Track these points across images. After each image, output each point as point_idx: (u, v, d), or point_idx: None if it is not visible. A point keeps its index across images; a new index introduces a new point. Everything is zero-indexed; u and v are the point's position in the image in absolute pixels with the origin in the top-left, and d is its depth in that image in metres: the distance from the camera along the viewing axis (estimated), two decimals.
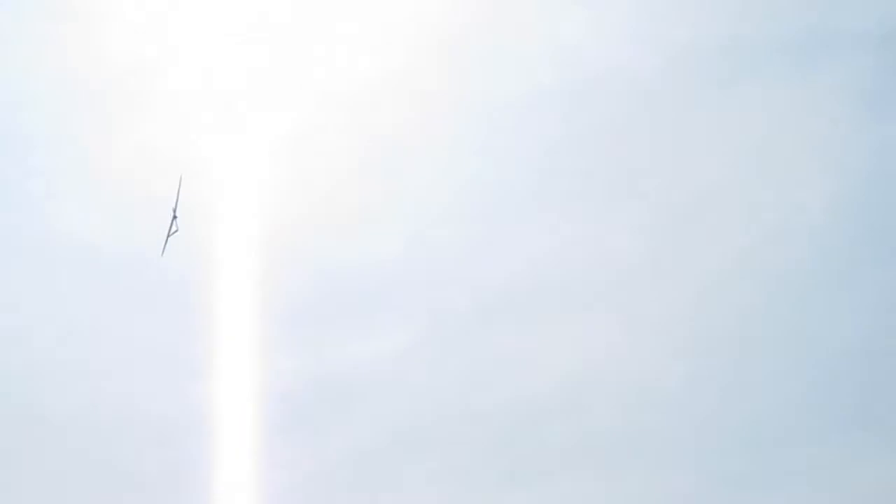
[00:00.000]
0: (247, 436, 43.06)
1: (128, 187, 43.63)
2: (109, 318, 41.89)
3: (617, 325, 44.52)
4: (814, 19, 46.44)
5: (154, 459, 40.88)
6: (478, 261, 44.84)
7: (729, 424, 42.31)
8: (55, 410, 40.01)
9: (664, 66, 47.24)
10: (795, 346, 44.27)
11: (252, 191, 44.35)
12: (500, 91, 46.11)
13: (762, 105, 47.15)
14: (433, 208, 45.17)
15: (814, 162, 45.95)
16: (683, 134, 47.33)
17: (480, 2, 45.77)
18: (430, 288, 44.54)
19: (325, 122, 46.59)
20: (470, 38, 45.86)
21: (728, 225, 47.87)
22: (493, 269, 45.04)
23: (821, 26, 46.69)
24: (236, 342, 43.58)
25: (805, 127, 46.20)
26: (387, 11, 45.91)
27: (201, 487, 41.53)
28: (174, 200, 34.07)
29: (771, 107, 46.98)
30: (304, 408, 43.43)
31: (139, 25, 44.31)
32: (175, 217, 33.78)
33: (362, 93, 45.87)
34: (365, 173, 45.18)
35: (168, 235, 33.71)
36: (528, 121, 46.81)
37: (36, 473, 38.88)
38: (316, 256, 43.96)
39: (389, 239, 45.03)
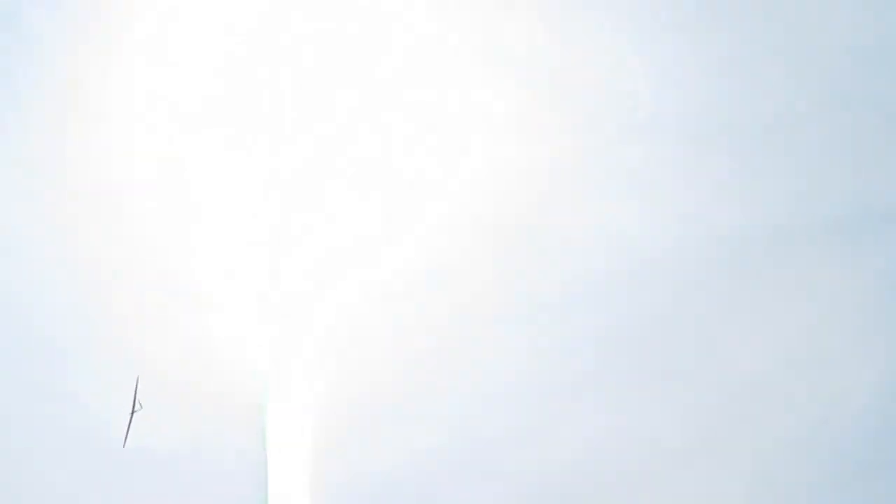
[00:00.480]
0: None
1: None
2: None
3: (701, 382, 46.35)
4: (863, 200, 44.59)
5: None
6: (526, 451, 46.26)
7: None
8: None
9: (712, 250, 47.05)
10: None
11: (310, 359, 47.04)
12: (548, 279, 47.13)
13: (809, 289, 45.41)
14: (478, 400, 46.66)
15: (861, 348, 44.09)
16: (731, 319, 46.46)
17: (529, 188, 47.17)
18: (478, 480, 46.33)
19: (365, 316, 48.73)
20: (519, 226, 47.23)
21: (776, 411, 46.48)
22: (543, 459, 46.25)
23: (870, 207, 44.90)
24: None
25: (853, 313, 44.00)
26: (429, 203, 47.60)
27: None
28: (133, 398, 37.64)
29: (818, 290, 45.08)
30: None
31: None
32: (134, 410, 37.51)
33: (404, 283, 47.64)
34: (409, 365, 46.95)
35: (129, 425, 37.21)
36: (577, 308, 47.77)
37: None
38: (357, 458, 46.34)
39: (435, 428, 46.83)
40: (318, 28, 38.22)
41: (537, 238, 46.60)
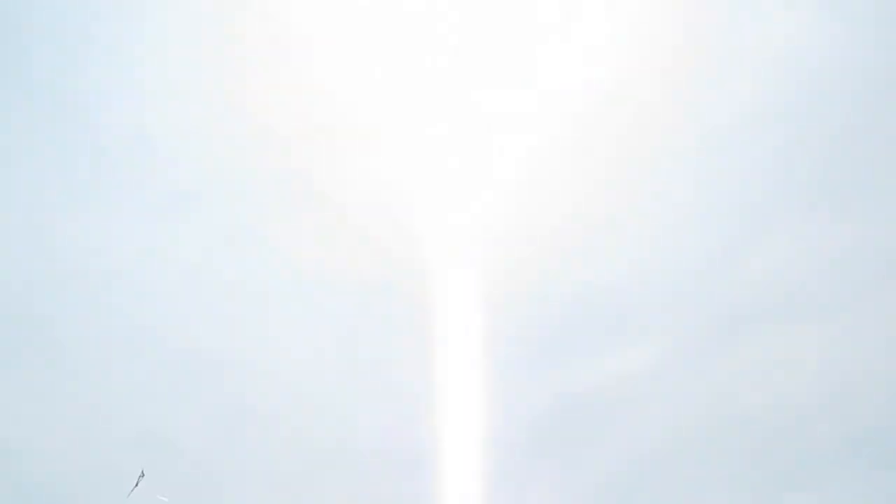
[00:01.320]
0: (494, 464, 44.58)
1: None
2: (337, 348, 43.83)
3: (873, 326, 43.80)
4: None
5: (401, 491, 43.21)
6: (719, 271, 44.68)
7: None
8: (315, 442, 42.28)
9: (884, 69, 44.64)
10: None
11: (482, 210, 45.18)
12: (727, 101, 44.95)
13: None
14: (669, 220, 45.22)
15: None
16: None
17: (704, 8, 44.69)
18: (674, 301, 44.85)
19: (553, 137, 47.02)
20: (696, 45, 44.98)
21: None
22: (736, 278, 44.72)
23: None
24: (475, 370, 44.86)
25: None
26: (606, 23, 45.52)
27: None
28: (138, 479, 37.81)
29: None
30: (552, 433, 45.29)
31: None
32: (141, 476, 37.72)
33: (586, 104, 46.11)
34: (596, 188, 45.48)
35: (136, 485, 37.29)
36: (757, 128, 45.72)
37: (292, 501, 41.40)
38: (550, 278, 45.02)
39: (626, 255, 45.55)
40: None
41: (718, 56, 40.74)
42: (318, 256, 43.78)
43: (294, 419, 42.31)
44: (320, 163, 45.26)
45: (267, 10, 45.08)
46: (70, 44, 43.98)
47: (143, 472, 37.03)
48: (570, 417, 44.05)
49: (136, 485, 36.94)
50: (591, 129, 45.47)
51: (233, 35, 44.95)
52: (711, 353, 44.41)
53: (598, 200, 45.47)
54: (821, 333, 43.89)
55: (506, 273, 45.02)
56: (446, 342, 44.91)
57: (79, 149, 42.82)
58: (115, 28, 44.27)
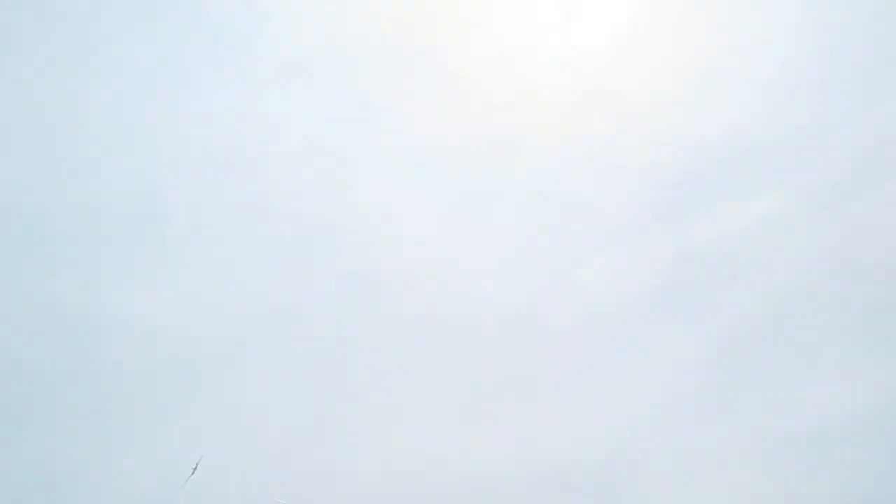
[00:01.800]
0: (618, 320, 44.55)
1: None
2: (457, 214, 43.96)
3: None
4: None
5: (525, 351, 43.60)
6: (840, 122, 43.13)
7: None
8: (436, 310, 42.87)
9: None
10: None
11: (592, 67, 44.13)
12: None
13: None
14: (785, 65, 43.79)
15: None
16: None
17: None
18: (793, 153, 43.42)
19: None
20: None
21: None
22: (859, 129, 42.90)
23: None
24: (596, 230, 44.61)
25: None
26: None
27: (575, 376, 43.38)
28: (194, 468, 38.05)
29: None
30: (678, 284, 45.00)
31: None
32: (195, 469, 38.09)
33: None
34: (707, 34, 44.31)
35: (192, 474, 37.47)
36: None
37: (415, 372, 42.04)
38: (665, 132, 44.07)
39: (741, 105, 44.26)
40: None
41: None
42: (437, 124, 43.29)
43: (415, 287, 42.40)
44: (439, 31, 44.53)
45: None
46: None
47: (196, 464, 37.96)
48: (689, 273, 43.25)
49: (192, 473, 37.90)
50: None
51: None
52: (832, 205, 42.73)
53: (710, 46, 44.06)
54: None
55: (618, 130, 43.93)
56: (564, 206, 44.19)
57: (192, 23, 42.96)
58: None
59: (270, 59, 42.39)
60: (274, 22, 43.14)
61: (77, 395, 37.74)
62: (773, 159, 43.75)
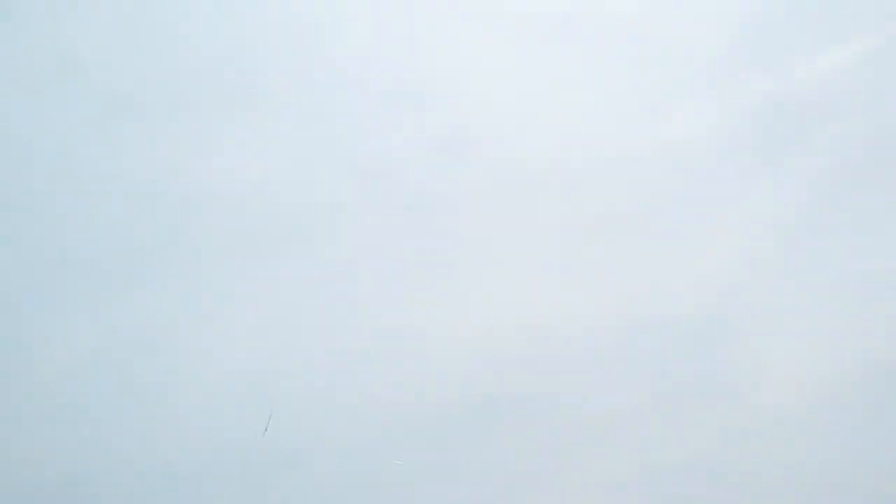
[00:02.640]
0: (714, 164, 44.46)
1: None
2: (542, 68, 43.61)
3: None
4: None
5: (617, 201, 43.77)
6: None
7: None
8: (527, 163, 43.05)
9: None
10: None
11: None
12: None
13: None
14: None
15: None
16: None
17: None
18: None
19: None
20: None
21: None
22: None
23: None
24: (690, 71, 44.19)
25: None
26: None
27: (669, 225, 43.52)
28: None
29: None
30: (771, 129, 44.50)
31: None
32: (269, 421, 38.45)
33: None
34: None
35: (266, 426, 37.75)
36: None
37: (509, 226, 42.66)
38: None
39: None
40: None
41: None
42: None
43: (506, 141, 42.07)
44: None
45: None
46: None
47: (269, 421, 38.70)
48: (783, 118, 42.63)
49: (266, 428, 38.78)
50: None
51: None
52: None
53: None
54: None
55: None
56: (652, 51, 43.19)
57: None
58: None
59: None
60: None
61: (172, 261, 38.46)
62: (865, 2, 42.60)
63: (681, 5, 42.40)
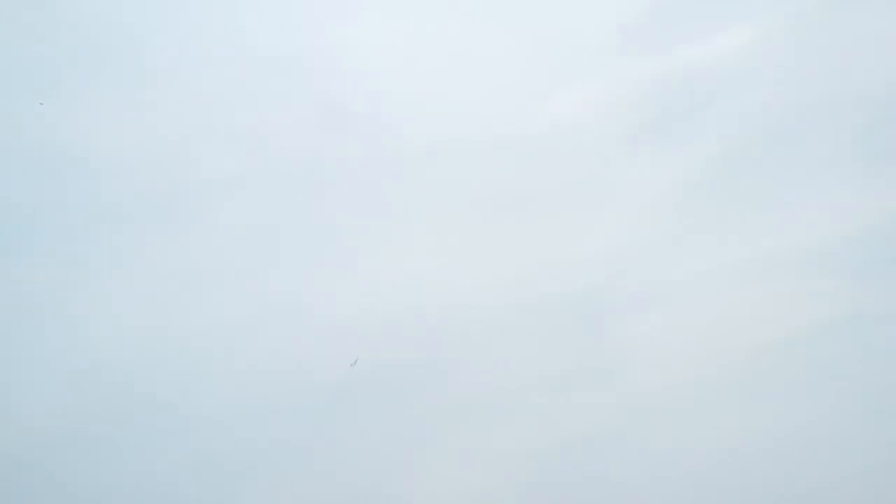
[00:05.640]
0: (600, 145, 44.34)
1: None
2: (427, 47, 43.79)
3: None
4: None
5: (505, 180, 43.75)
6: None
7: None
8: (414, 139, 42.94)
9: None
10: None
11: None
12: None
13: None
14: None
15: None
16: None
17: None
18: None
19: None
20: None
21: None
22: None
23: None
24: (579, 52, 44.21)
25: None
26: None
27: (558, 205, 43.35)
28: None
29: None
30: (658, 111, 43.62)
31: None
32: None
33: None
34: None
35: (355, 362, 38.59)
36: None
37: (396, 202, 42.36)
38: None
39: None
40: None
41: None
42: None
43: (385, 117, 42.35)
44: None
45: None
46: None
47: (356, 359, 39.49)
48: (669, 99, 42.95)
49: (354, 363, 39.49)
50: None
51: None
52: (816, 28, 42.02)
53: None
54: None
55: None
56: (542, 33, 43.50)
57: None
58: None
59: None
60: None
61: (54, 233, 38.52)
62: None
63: None
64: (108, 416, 38.10)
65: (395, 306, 41.07)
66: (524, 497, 37.78)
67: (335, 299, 40.60)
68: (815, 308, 40.00)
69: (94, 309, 39.25)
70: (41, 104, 37.76)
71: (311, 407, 38.94)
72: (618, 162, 42.42)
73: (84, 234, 40.01)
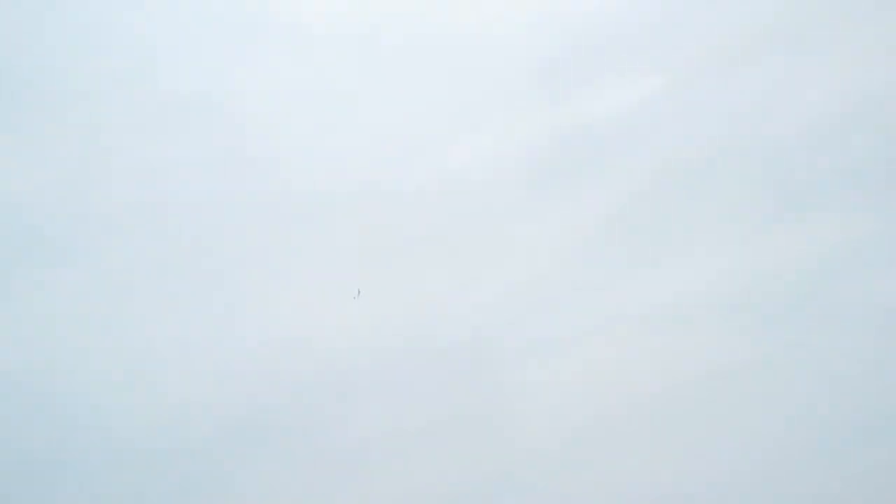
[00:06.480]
0: (497, 195, 44.39)
1: None
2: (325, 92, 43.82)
3: (873, 56, 43.63)
4: None
5: (399, 227, 43.71)
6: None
7: None
8: (308, 185, 42.76)
9: None
10: None
11: None
12: None
13: None
14: None
15: None
16: None
17: None
18: (678, 29, 44.67)
19: None
20: None
21: None
22: (744, 6, 44.18)
23: None
24: (480, 101, 44.41)
25: None
26: None
27: (451, 253, 43.40)
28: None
29: None
30: (556, 162, 44.01)
31: None
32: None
33: None
34: None
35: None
36: None
37: (288, 246, 42.20)
38: (548, 7, 43.91)
39: None
40: None
41: None
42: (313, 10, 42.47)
43: (281, 162, 42.03)
44: None
45: None
46: None
47: (359, 290, 39.45)
48: (571, 149, 43.20)
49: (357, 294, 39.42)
50: None
51: None
52: (716, 82, 43.94)
53: None
54: (824, 63, 43.40)
55: (505, 3, 43.46)
56: (438, 81, 43.63)
57: None
58: None
59: None
60: None
61: None
62: (657, 37, 43.45)
63: (475, 38, 42.89)
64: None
65: (281, 351, 40.59)
66: None
67: (220, 343, 40.07)
68: (706, 358, 40.20)
69: None
70: None
71: (194, 454, 38.24)
72: (513, 212, 42.52)
73: None
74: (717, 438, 38.85)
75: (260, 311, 40.75)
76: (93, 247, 40.91)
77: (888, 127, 41.95)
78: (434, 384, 40.72)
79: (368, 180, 42.04)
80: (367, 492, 38.78)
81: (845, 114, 43.15)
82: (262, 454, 38.46)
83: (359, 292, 39.93)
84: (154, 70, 41.96)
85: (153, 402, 38.69)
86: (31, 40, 40.65)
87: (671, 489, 37.68)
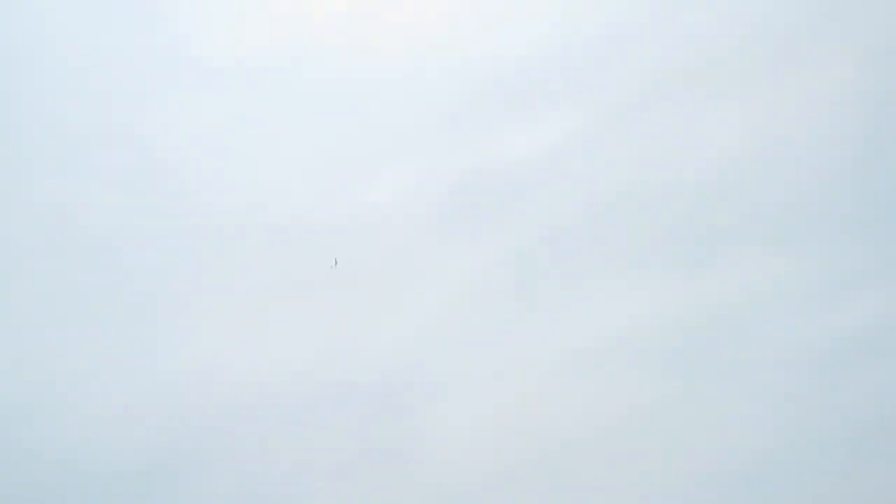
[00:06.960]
0: (409, 234, 43.82)
1: None
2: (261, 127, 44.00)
3: (785, 99, 44.23)
4: None
5: (307, 264, 43.65)
6: (636, 41, 44.83)
7: None
8: (219, 219, 42.38)
9: None
10: None
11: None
12: None
13: None
14: None
15: None
16: None
17: None
18: (588, 73, 44.71)
19: None
20: None
21: None
22: (654, 49, 44.84)
23: None
24: (389, 143, 44.72)
25: None
26: None
27: (360, 290, 43.14)
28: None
29: None
30: (467, 203, 44.32)
31: None
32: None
33: None
34: None
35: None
36: None
37: (195, 281, 41.68)
38: (461, 49, 44.60)
39: (542, 23, 44.99)
40: None
41: None
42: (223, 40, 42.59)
43: (192, 195, 41.70)
44: None
45: None
46: None
47: (336, 260, 39.10)
48: (479, 192, 43.42)
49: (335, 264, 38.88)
50: None
51: None
52: (621, 128, 44.62)
53: None
54: (738, 107, 44.27)
55: (407, 48, 43.97)
56: (353, 119, 43.85)
57: None
58: None
59: None
60: None
61: None
62: (568, 80, 44.10)
63: (390, 78, 43.10)
64: None
65: (187, 388, 39.83)
66: None
67: (123, 381, 39.25)
68: (615, 401, 40.11)
69: None
70: None
71: (95, 498, 37.14)
72: (422, 252, 42.52)
73: None
74: (623, 483, 38.65)
75: (164, 349, 39.87)
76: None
77: (801, 169, 43.04)
78: (343, 423, 40.22)
79: (276, 215, 41.82)
80: None
81: (758, 157, 44.03)
82: (162, 498, 37.37)
83: (336, 262, 39.60)
84: (65, 103, 41.58)
85: (52, 437, 37.53)
86: None
87: None
